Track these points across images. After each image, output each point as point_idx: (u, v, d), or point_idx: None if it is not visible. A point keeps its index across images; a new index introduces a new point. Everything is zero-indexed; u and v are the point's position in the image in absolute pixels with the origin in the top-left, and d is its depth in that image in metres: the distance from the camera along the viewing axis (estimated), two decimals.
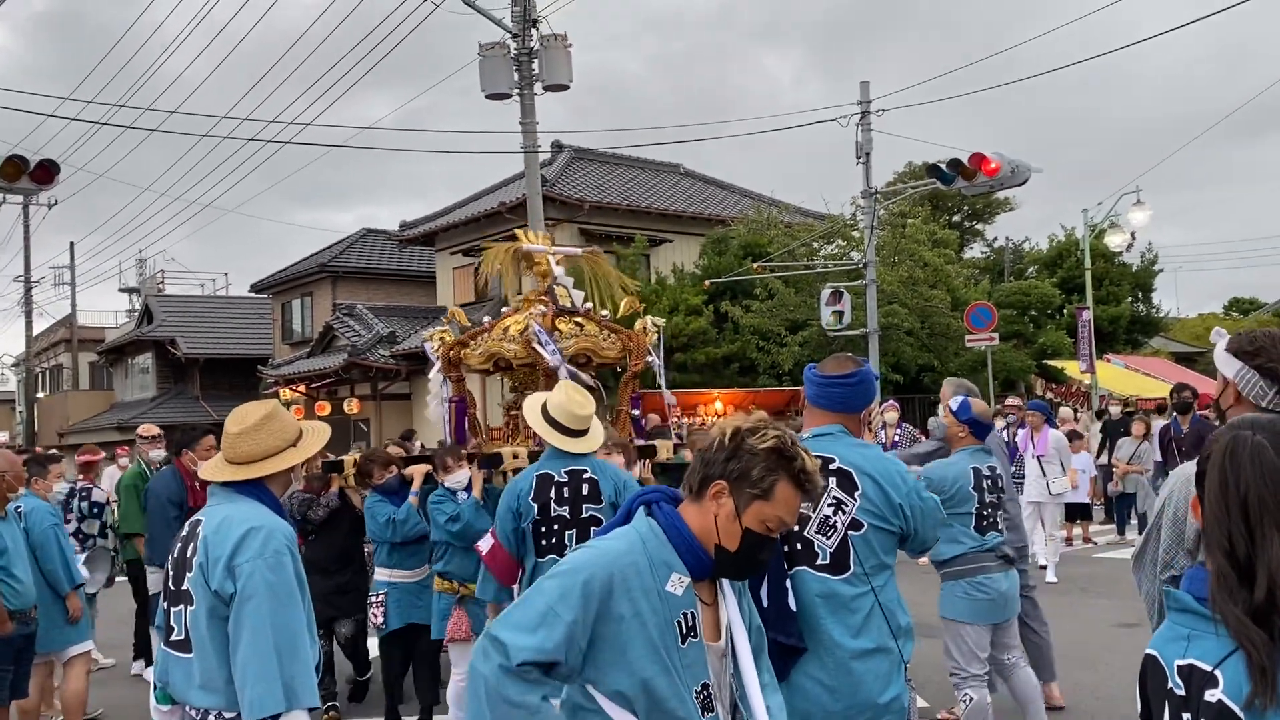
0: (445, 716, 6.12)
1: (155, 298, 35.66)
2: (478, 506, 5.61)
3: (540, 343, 5.97)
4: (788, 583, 2.85)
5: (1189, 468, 2.56)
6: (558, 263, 6.57)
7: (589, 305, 6.65)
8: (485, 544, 4.66)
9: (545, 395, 4.70)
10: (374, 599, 6.15)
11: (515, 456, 6.01)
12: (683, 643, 2.07)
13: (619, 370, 6.56)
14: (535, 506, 4.44)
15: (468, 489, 5.72)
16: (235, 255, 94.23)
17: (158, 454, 8.34)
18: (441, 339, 6.56)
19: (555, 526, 4.43)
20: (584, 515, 4.45)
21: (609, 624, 2.01)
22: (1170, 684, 1.50)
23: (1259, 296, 40.45)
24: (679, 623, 2.07)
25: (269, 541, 2.76)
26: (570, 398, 4.54)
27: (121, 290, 42.65)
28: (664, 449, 6.27)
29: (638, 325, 6.50)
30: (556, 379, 5.68)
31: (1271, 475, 1.46)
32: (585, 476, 4.50)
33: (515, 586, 4.58)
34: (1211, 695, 1.42)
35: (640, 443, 6.28)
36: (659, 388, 6.84)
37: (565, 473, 4.49)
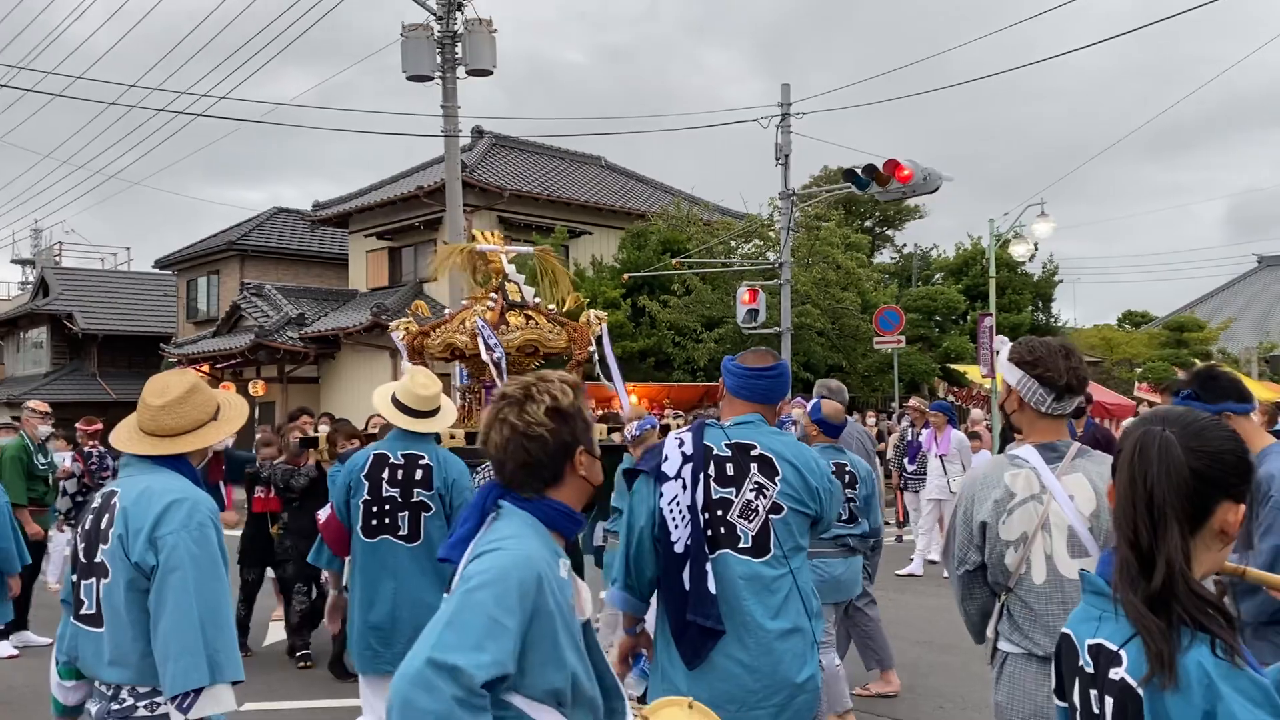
0: None
1: (52, 270, 34.30)
2: None
3: (483, 337, 6.26)
4: (708, 566, 2.91)
5: (975, 471, 2.82)
6: (510, 260, 6.92)
7: (538, 300, 6.97)
8: (323, 513, 4.76)
9: (395, 384, 4.82)
10: None
11: None
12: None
13: (565, 359, 6.92)
14: (366, 484, 4.50)
15: None
16: (139, 229, 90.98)
17: (45, 430, 8.54)
18: (406, 329, 6.85)
19: (387, 507, 4.49)
20: (414, 499, 4.52)
21: (541, 621, 1.91)
22: (1081, 661, 1.58)
23: (1151, 310, 42.05)
24: (572, 605, 2.05)
25: (194, 514, 2.71)
26: (414, 380, 4.67)
27: (15, 261, 41.01)
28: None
29: (582, 318, 6.90)
30: (501, 368, 6.11)
31: (1176, 470, 1.52)
32: (421, 462, 4.56)
33: (346, 560, 4.66)
34: (1115, 673, 1.50)
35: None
36: (596, 379, 7.18)
37: (402, 455, 4.56)
